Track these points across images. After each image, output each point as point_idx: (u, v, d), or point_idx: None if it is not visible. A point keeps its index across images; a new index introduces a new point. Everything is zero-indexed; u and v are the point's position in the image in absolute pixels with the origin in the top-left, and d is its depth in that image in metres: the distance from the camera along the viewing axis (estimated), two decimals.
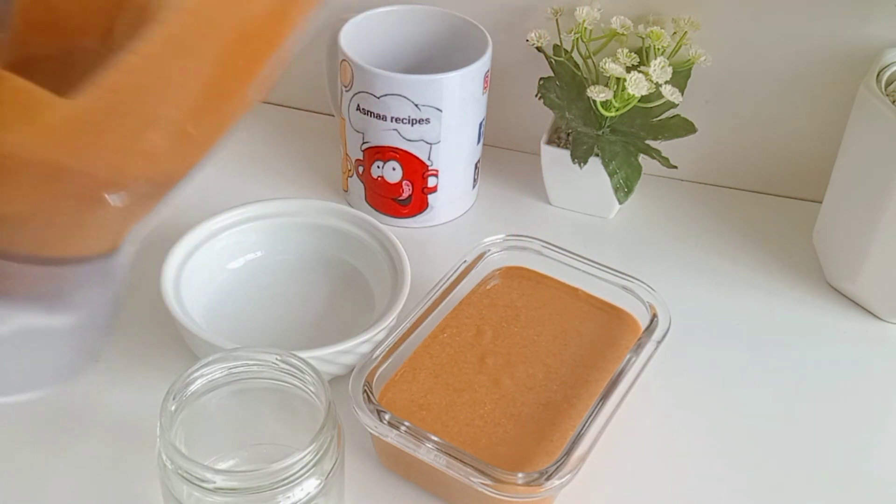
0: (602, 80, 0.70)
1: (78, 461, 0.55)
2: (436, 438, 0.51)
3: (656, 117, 0.72)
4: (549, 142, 0.73)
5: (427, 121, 0.68)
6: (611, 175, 0.70)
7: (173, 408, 0.47)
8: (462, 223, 0.75)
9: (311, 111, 0.85)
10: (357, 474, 0.55)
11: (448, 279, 0.61)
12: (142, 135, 0.37)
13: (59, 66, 0.39)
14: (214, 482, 0.44)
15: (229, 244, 0.65)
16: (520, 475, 0.50)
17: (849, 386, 0.63)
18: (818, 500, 0.56)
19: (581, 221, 0.75)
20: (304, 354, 0.51)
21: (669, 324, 0.59)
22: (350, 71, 0.68)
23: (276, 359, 0.49)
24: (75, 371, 0.42)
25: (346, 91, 0.69)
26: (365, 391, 0.53)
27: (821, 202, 0.71)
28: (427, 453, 0.51)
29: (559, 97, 0.72)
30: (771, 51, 0.72)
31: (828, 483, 0.57)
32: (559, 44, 0.72)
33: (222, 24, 0.37)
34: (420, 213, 0.73)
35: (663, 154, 0.70)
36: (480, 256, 0.63)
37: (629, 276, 0.62)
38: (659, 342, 0.58)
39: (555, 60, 0.72)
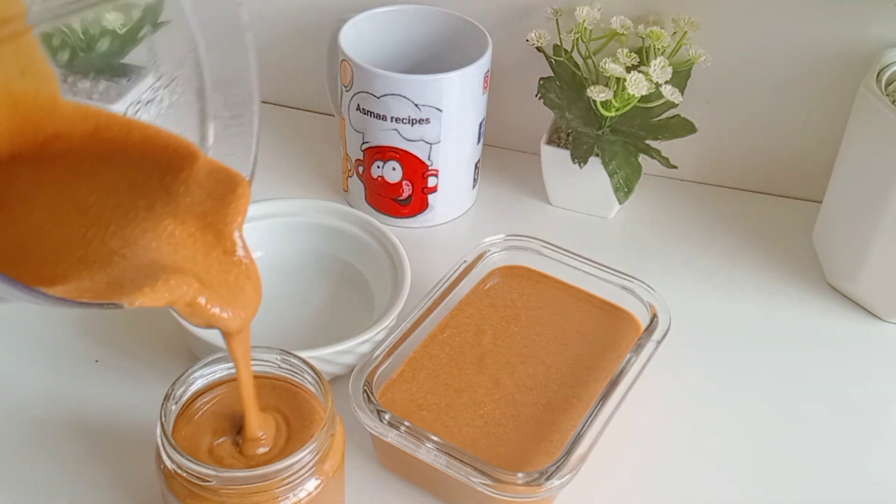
0: (602, 80, 0.70)
1: (78, 461, 0.55)
2: (436, 438, 0.51)
3: (656, 117, 0.72)
4: (549, 142, 0.73)
5: (427, 121, 0.68)
6: (611, 175, 0.70)
7: (173, 408, 0.47)
8: (462, 223, 0.75)
9: (311, 111, 0.85)
10: (357, 474, 0.55)
11: (448, 279, 0.61)
12: None
13: None
14: (214, 482, 0.44)
15: None
16: (520, 475, 0.50)
17: (849, 386, 0.63)
18: (818, 500, 0.56)
19: (581, 221, 0.75)
20: (304, 354, 0.51)
21: (669, 324, 0.59)
22: (350, 71, 0.68)
23: (277, 358, 0.49)
24: None
25: (346, 91, 0.69)
26: (365, 391, 0.53)
27: (821, 202, 0.71)
28: (427, 453, 0.51)
29: (559, 97, 0.72)
30: (771, 51, 0.72)
31: (828, 483, 0.57)
32: (559, 44, 0.72)
33: None
34: (420, 213, 0.73)
35: (663, 154, 0.70)
36: (480, 256, 0.63)
37: (629, 275, 0.62)
38: (659, 342, 0.58)
39: (555, 60, 0.72)
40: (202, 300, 0.40)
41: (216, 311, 0.41)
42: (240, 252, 0.43)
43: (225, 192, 0.43)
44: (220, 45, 0.45)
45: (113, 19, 0.46)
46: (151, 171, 0.44)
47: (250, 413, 0.46)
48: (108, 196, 0.43)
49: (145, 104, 0.46)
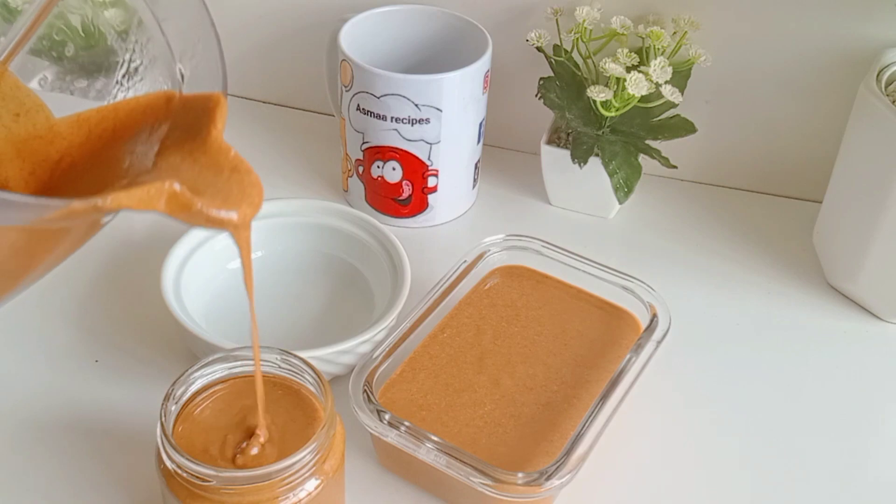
0: (602, 80, 0.70)
1: (78, 461, 0.55)
2: (436, 438, 0.51)
3: (656, 117, 0.72)
4: (549, 142, 0.73)
5: (427, 121, 0.68)
6: (611, 175, 0.70)
7: (173, 408, 0.47)
8: (462, 223, 0.75)
9: (311, 111, 0.85)
10: (357, 474, 0.55)
11: (448, 279, 0.61)
12: None
13: None
14: (214, 482, 0.44)
15: (229, 244, 0.65)
16: (520, 475, 0.50)
17: (849, 386, 0.63)
18: (818, 500, 0.56)
19: (581, 221, 0.75)
20: (304, 354, 0.51)
21: (669, 324, 0.59)
22: (350, 71, 0.68)
23: (277, 358, 0.49)
24: None
25: (346, 91, 0.69)
26: (365, 391, 0.53)
27: (821, 202, 0.71)
28: (427, 453, 0.51)
29: (559, 97, 0.72)
30: (771, 51, 0.72)
31: (828, 483, 0.57)
32: (559, 44, 0.72)
33: None
34: (420, 212, 0.73)
35: (663, 154, 0.70)
36: (480, 256, 0.63)
37: (629, 276, 0.62)
38: (659, 342, 0.58)
39: (555, 60, 0.72)
40: (183, 192, 0.39)
41: (202, 206, 0.41)
42: (231, 154, 0.43)
43: (198, 114, 0.43)
44: None
45: (111, 17, 0.46)
46: (144, 138, 0.44)
47: (252, 298, 0.46)
48: (108, 174, 0.43)
49: (122, 80, 0.46)
